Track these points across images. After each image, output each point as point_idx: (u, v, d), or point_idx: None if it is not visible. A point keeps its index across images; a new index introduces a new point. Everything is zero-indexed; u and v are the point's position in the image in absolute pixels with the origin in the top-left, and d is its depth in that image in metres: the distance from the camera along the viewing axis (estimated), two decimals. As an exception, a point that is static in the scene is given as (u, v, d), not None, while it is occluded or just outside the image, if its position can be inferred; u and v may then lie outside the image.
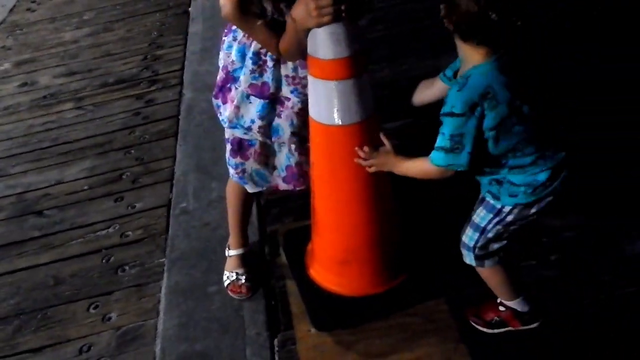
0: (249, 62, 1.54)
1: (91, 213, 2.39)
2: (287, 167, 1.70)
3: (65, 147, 2.83)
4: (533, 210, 1.37)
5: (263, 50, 1.52)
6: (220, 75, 1.66)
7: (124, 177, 2.56)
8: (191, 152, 2.61)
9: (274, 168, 1.73)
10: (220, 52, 1.65)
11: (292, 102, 1.58)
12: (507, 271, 1.51)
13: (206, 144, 2.63)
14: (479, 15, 1.15)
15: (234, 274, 1.90)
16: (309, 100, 1.52)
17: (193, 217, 2.25)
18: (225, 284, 1.91)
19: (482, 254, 1.46)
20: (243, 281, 1.89)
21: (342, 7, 1.30)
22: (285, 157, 1.69)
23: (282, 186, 1.75)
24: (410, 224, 1.82)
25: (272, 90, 1.56)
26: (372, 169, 1.48)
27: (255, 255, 1.99)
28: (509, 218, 1.38)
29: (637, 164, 2.11)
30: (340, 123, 1.44)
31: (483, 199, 1.42)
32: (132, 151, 2.71)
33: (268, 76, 1.54)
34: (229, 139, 1.71)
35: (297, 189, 1.74)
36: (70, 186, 2.57)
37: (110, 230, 2.28)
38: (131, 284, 2.05)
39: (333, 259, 1.73)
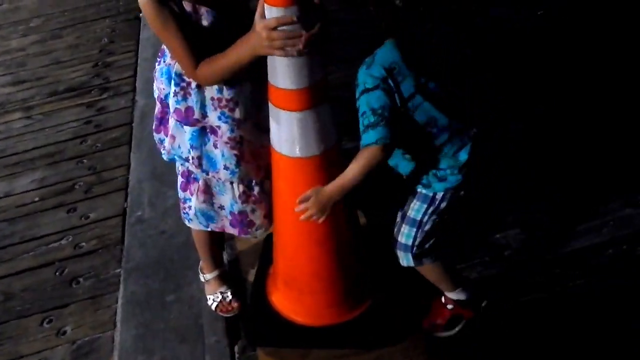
0: (172, 85, 1.41)
1: (43, 225, 2.33)
2: (231, 213, 1.58)
3: (14, 158, 2.75)
4: (462, 193, 1.42)
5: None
6: (157, 106, 1.54)
7: (76, 187, 2.51)
8: (145, 159, 2.58)
9: (221, 208, 1.59)
10: (154, 82, 1.52)
11: (221, 130, 1.44)
12: (444, 264, 1.54)
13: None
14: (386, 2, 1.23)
15: (219, 295, 1.84)
16: (271, 128, 1.42)
17: (149, 226, 2.22)
18: (213, 307, 1.83)
19: (420, 252, 1.48)
20: (230, 297, 1.83)
21: (300, 43, 1.20)
22: (229, 201, 1.56)
23: (229, 229, 1.62)
24: (372, 253, 1.74)
25: (196, 115, 1.42)
26: (317, 216, 1.39)
27: (229, 271, 1.93)
28: (443, 205, 1.42)
29: (584, 162, 2.20)
30: (300, 155, 1.38)
31: (415, 192, 1.44)
32: (85, 160, 2.65)
33: (192, 99, 1.41)
34: (179, 170, 1.60)
35: (242, 235, 1.63)
36: (20, 198, 2.50)
37: (63, 242, 2.23)
38: (86, 296, 2.00)
39: (291, 285, 1.66)
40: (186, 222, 1.67)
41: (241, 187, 1.54)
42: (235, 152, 1.47)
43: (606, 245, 1.89)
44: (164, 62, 1.46)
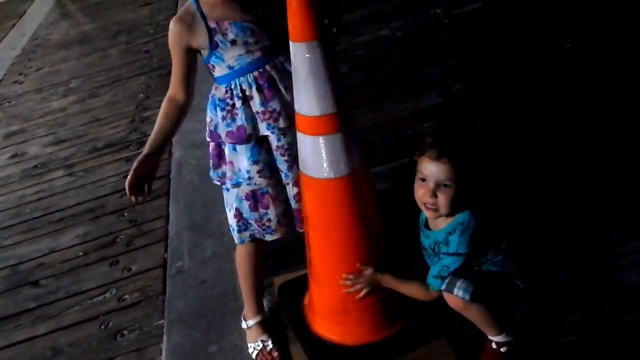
0: (218, 111, 1.54)
1: (87, 279, 2.38)
2: (294, 210, 1.70)
3: (58, 214, 2.84)
4: None
5: (228, 94, 1.52)
6: (210, 145, 1.65)
7: (117, 240, 2.57)
8: (183, 210, 2.63)
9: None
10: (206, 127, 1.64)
11: (270, 139, 1.57)
12: (487, 306, 1.51)
13: (198, 201, 2.65)
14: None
15: (260, 343, 1.84)
16: (299, 155, 1.53)
17: (189, 276, 2.25)
18: (254, 355, 1.83)
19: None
20: (271, 346, 1.82)
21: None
22: (289, 202, 1.69)
23: (298, 227, 1.71)
24: (404, 268, 1.81)
25: (249, 131, 1.54)
26: (363, 292, 1.59)
27: (272, 319, 1.93)
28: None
29: (584, 164, 2.16)
30: (330, 176, 1.46)
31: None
32: (125, 214, 2.72)
33: (240, 118, 1.53)
34: (241, 197, 1.66)
35: (300, 230, 1.72)
36: (64, 254, 2.56)
37: (107, 295, 2.27)
38: (131, 348, 2.02)
39: (332, 309, 1.72)
40: (269, 237, 1.73)
41: (295, 189, 1.64)
42: (285, 157, 1.59)
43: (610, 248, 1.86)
44: (210, 94, 1.59)
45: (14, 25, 6.34)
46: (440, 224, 1.50)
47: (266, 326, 1.87)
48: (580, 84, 2.57)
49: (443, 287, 1.47)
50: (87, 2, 6.49)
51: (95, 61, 4.66)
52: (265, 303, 1.99)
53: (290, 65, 1.46)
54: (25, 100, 4.30)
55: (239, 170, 1.61)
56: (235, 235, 1.74)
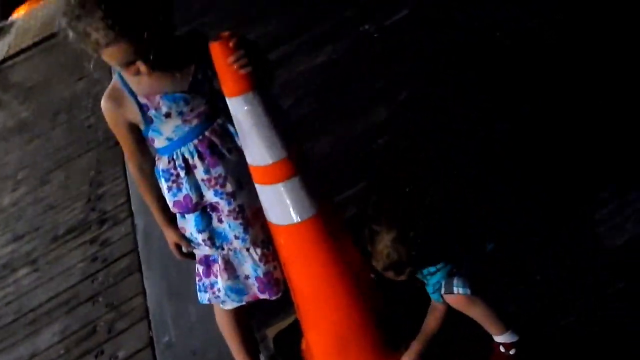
0: (163, 181, 1.51)
1: (74, 377, 2.27)
2: (257, 278, 1.64)
3: (30, 315, 2.73)
4: None
5: (170, 164, 1.49)
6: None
7: (98, 328, 2.46)
8: (159, 281, 2.55)
9: (247, 277, 1.65)
10: None
11: (220, 206, 1.52)
12: (483, 298, 1.50)
13: (171, 268, 2.56)
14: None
15: None
16: (262, 205, 1.49)
17: (179, 349, 2.17)
18: None
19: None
20: None
21: None
22: (251, 267, 1.62)
23: (261, 295, 1.67)
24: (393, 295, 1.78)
25: (195, 200, 1.50)
26: None
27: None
28: None
29: (570, 162, 2.17)
30: (297, 220, 1.43)
31: None
32: (100, 299, 2.62)
33: (185, 187, 1.49)
34: (198, 260, 1.65)
35: (274, 297, 1.66)
36: (45, 356, 2.45)
37: (98, 389, 2.17)
38: None
39: (330, 350, 1.68)
40: (221, 306, 1.69)
41: (258, 250, 1.59)
42: (239, 221, 1.53)
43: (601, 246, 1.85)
44: (155, 165, 1.55)
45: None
46: None
47: None
48: (566, 81, 2.58)
49: (442, 291, 1.47)
50: (20, 88, 6.38)
51: (39, 147, 4.55)
52: (262, 359, 1.93)
53: (231, 124, 1.43)
54: (-26, 201, 4.16)
55: (190, 234, 1.58)
56: (198, 295, 1.69)
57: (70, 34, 1.32)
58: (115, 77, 1.46)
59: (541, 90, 2.59)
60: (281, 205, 1.42)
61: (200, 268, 1.66)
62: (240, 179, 1.50)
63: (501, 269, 1.69)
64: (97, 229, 3.12)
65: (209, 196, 1.51)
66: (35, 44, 7.59)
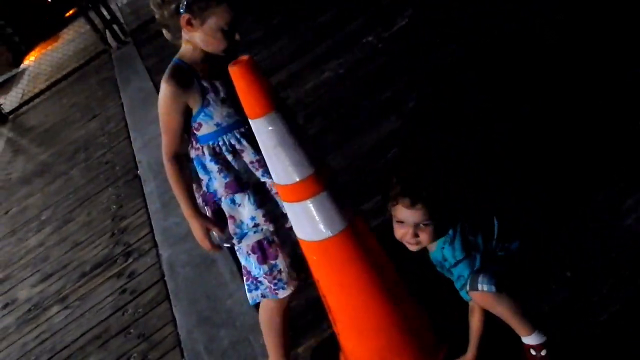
0: (212, 166, 1.55)
1: (112, 411, 2.29)
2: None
3: (64, 353, 2.75)
4: None
5: (217, 148, 1.54)
6: (208, 211, 1.64)
7: (132, 360, 2.49)
8: (187, 308, 2.56)
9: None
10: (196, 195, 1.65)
11: (269, 184, 1.57)
12: (511, 297, 1.49)
13: (200, 294, 2.59)
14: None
15: None
16: (292, 225, 1.52)
17: (215, 372, 2.18)
18: None
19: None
20: None
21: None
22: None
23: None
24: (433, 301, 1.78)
25: (245, 179, 1.56)
26: None
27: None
28: None
29: (570, 161, 2.16)
30: (328, 235, 1.44)
31: None
32: (132, 331, 2.65)
33: (235, 169, 1.55)
34: (247, 253, 1.64)
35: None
36: (82, 392, 2.48)
37: (136, 421, 2.18)
38: None
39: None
40: (282, 294, 1.67)
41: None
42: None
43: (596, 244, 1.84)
44: (192, 155, 1.59)
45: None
46: (432, 247, 1.54)
47: None
48: (566, 81, 2.57)
49: (467, 288, 1.47)
50: (36, 132, 6.51)
51: (60, 187, 4.63)
52: None
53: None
54: (2, 245, 4.24)
55: (241, 222, 1.60)
56: (247, 296, 1.71)
57: None
58: (175, 61, 1.53)
59: (541, 90, 2.60)
60: (311, 221, 1.43)
61: (252, 260, 1.65)
62: None
63: (527, 267, 1.68)
64: (122, 261, 3.16)
65: (258, 175, 1.56)
66: (48, 88, 7.76)
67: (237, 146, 1.55)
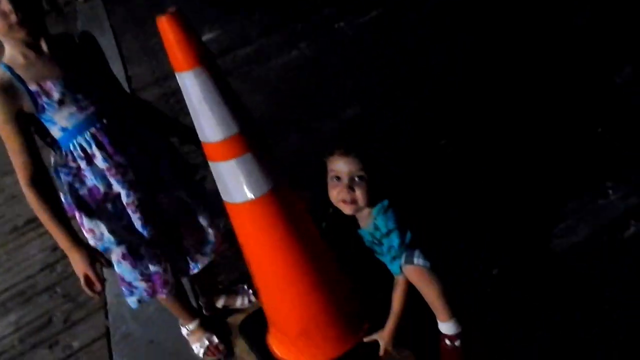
0: (63, 177, 1.42)
1: (26, 368, 2.19)
2: (151, 275, 1.62)
3: (-17, 306, 2.63)
4: None
5: (69, 157, 1.41)
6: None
7: (53, 319, 2.38)
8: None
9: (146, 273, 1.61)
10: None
11: (122, 195, 1.45)
12: (440, 277, 1.49)
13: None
14: None
15: (205, 340, 1.87)
16: (218, 185, 1.45)
17: (135, 339, 2.10)
18: (201, 353, 1.87)
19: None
20: (216, 340, 1.86)
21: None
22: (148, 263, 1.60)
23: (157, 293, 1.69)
24: (359, 276, 1.76)
25: (103, 190, 1.44)
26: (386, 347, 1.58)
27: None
28: None
29: (548, 162, 2.18)
30: (252, 197, 1.40)
31: None
32: (57, 289, 2.54)
33: (90, 179, 1.42)
34: (118, 261, 1.56)
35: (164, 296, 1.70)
36: (-2, 347, 2.36)
37: (50, 380, 2.09)
38: None
39: (293, 332, 1.65)
40: (161, 293, 1.66)
41: (150, 250, 1.58)
42: (138, 215, 1.48)
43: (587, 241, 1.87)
44: (51, 166, 1.45)
45: None
46: (366, 221, 1.53)
47: (207, 326, 1.88)
48: (539, 80, 2.60)
49: (402, 261, 1.46)
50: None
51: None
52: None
53: (130, 110, 1.46)
54: None
55: (102, 234, 1.49)
56: (133, 291, 1.65)
57: None
58: (1, 68, 1.35)
59: (516, 91, 2.60)
60: (234, 182, 1.39)
61: (123, 267, 1.57)
62: (141, 171, 1.46)
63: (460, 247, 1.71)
64: (58, 219, 3.03)
65: (114, 184, 1.44)
66: None
67: (89, 150, 1.40)
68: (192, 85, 1.29)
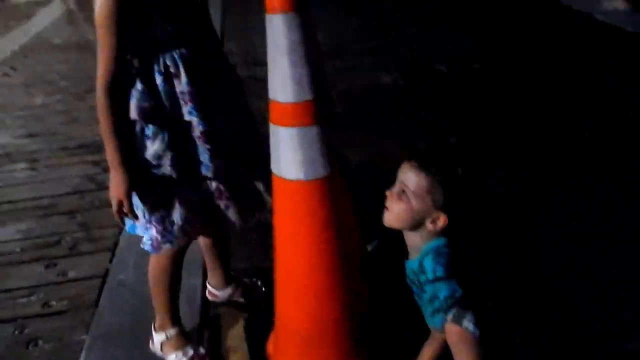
0: (137, 83, 1.31)
1: (16, 277, 2.11)
2: (204, 211, 1.47)
3: (6, 207, 2.60)
4: None
5: (149, 67, 1.32)
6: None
7: (62, 242, 2.32)
8: (141, 221, 2.39)
9: (197, 209, 1.45)
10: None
11: (194, 124, 1.36)
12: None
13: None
14: None
15: (190, 350, 1.66)
16: (271, 150, 1.31)
17: (129, 290, 1.99)
18: None
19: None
20: (203, 351, 1.66)
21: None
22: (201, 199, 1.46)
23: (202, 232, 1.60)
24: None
25: (168, 111, 1.34)
26: None
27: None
28: None
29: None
30: (303, 178, 1.25)
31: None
32: (77, 216, 2.49)
33: (159, 96, 1.33)
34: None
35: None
36: (1, 246, 2.31)
37: (32, 298, 2.00)
38: (41, 361, 1.75)
39: (298, 335, 1.45)
40: (169, 246, 1.47)
41: (213, 184, 1.44)
42: (208, 146, 1.39)
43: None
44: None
45: (21, 25, 6.28)
46: (414, 253, 1.32)
47: (188, 335, 1.70)
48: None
49: (449, 317, 1.25)
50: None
51: (89, 68, 4.45)
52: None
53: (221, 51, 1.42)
54: (10, 92, 4.14)
55: (152, 154, 1.36)
56: (150, 236, 1.47)
57: None
58: None
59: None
60: (291, 155, 1.24)
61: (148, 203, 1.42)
62: (221, 105, 1.39)
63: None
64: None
65: (185, 111, 1.35)
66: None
67: (172, 69, 1.32)
68: (279, 31, 1.16)
